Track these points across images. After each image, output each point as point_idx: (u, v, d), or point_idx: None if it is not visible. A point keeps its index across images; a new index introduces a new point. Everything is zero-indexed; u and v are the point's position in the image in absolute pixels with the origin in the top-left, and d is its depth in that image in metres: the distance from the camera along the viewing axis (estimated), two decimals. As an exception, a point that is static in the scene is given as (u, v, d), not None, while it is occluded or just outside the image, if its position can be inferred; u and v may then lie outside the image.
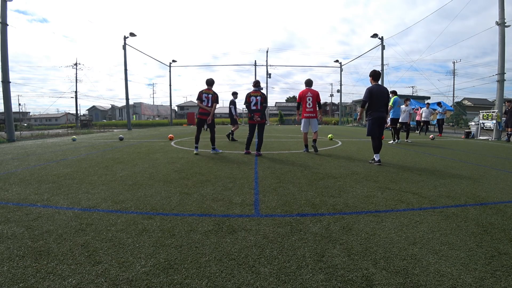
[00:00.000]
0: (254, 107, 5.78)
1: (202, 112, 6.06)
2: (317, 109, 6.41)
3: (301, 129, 6.63)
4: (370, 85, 5.17)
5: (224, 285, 1.43)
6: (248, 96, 5.77)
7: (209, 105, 6.01)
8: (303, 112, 6.46)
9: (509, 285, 1.42)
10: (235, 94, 9.85)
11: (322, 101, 6.71)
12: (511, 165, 5.09)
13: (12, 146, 8.82)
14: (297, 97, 6.77)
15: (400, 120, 9.51)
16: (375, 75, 5.17)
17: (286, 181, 3.69)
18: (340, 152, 6.67)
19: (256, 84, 6.03)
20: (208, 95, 6.01)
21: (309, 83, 6.54)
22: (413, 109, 13.36)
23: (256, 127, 6.00)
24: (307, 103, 6.38)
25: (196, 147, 6.37)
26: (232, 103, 9.78)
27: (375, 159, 5.05)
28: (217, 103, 6.12)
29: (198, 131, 6.30)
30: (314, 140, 6.50)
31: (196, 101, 6.22)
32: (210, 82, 6.15)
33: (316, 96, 6.39)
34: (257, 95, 5.80)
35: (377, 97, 5.00)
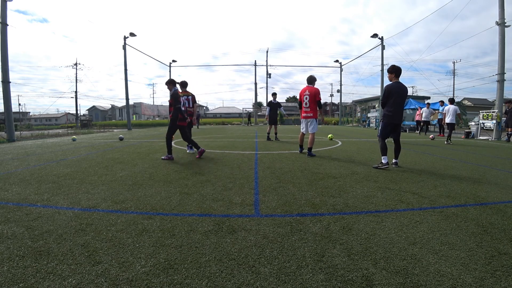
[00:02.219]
0: (183, 108, 5.71)
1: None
2: (317, 108, 5.90)
3: (302, 129, 6.25)
4: (389, 82, 4.68)
5: (224, 285, 1.43)
6: (179, 96, 5.48)
7: (191, 106, 6.32)
8: (301, 111, 6.09)
9: (509, 285, 1.42)
10: (275, 95, 10.03)
11: (322, 101, 6.12)
12: (511, 165, 5.09)
13: (12, 146, 8.82)
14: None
15: (447, 121, 9.57)
16: (397, 71, 4.63)
17: (286, 181, 3.69)
18: (340, 152, 6.67)
19: (185, 84, 6.00)
20: (188, 97, 6.32)
21: (308, 80, 6.11)
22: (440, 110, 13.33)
23: (180, 128, 5.62)
24: (304, 102, 5.97)
25: (191, 147, 6.56)
26: (279, 105, 9.91)
27: (383, 161, 4.55)
28: (196, 103, 6.47)
29: (189, 132, 6.61)
30: (309, 149, 5.96)
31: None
32: (185, 84, 6.36)
33: (313, 94, 5.86)
34: (188, 95, 5.80)
35: (396, 97, 4.57)
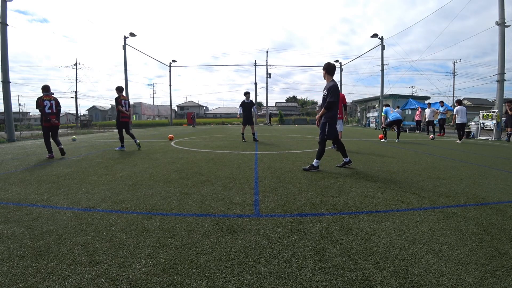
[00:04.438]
0: (49, 111, 5.99)
1: (124, 116, 7.44)
2: (343, 110, 6.98)
3: None
4: (330, 81, 4.42)
5: (224, 285, 1.43)
6: (42, 100, 5.92)
7: (127, 109, 7.49)
8: None
9: (509, 285, 1.42)
10: (248, 94, 9.81)
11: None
12: (511, 165, 5.09)
13: (12, 146, 8.82)
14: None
15: (459, 121, 10.05)
16: (332, 69, 4.45)
17: (286, 181, 3.69)
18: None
19: (46, 89, 6.26)
20: (126, 102, 7.48)
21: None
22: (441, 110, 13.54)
23: (54, 129, 6.18)
24: None
25: (123, 146, 7.48)
26: (252, 104, 9.73)
27: (315, 165, 4.39)
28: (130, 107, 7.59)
29: (122, 132, 7.52)
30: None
31: (118, 107, 7.37)
32: (122, 89, 7.44)
33: (342, 98, 6.95)
34: (50, 99, 6.07)
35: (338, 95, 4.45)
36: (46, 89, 6.16)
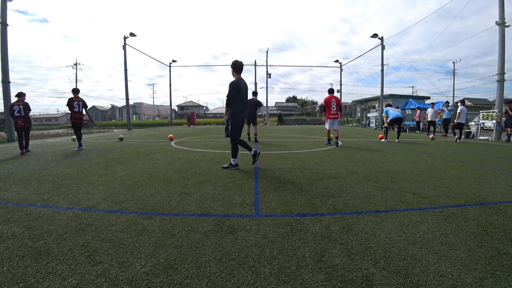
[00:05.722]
0: (18, 114, 6.90)
1: (76, 117, 7.53)
2: (339, 111, 8.18)
3: (327, 126, 8.33)
4: (234, 79, 4.50)
5: (224, 285, 1.43)
6: (12, 106, 6.89)
7: (80, 110, 7.50)
8: (328, 114, 8.16)
9: (509, 285, 1.42)
10: (255, 94, 9.53)
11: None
12: (511, 165, 5.09)
13: (12, 146, 8.81)
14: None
15: (458, 121, 10.53)
16: (238, 67, 4.50)
17: (286, 181, 3.69)
18: (340, 152, 6.67)
19: (18, 95, 7.08)
20: (79, 103, 7.47)
21: (331, 91, 8.41)
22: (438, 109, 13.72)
23: (23, 130, 7.01)
24: (331, 107, 8.11)
25: (80, 144, 7.65)
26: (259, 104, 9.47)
27: (233, 163, 4.56)
28: (87, 107, 7.78)
29: (79, 132, 7.75)
30: (336, 137, 8.14)
31: (67, 107, 7.50)
32: (77, 91, 7.60)
33: (338, 101, 8.21)
34: (19, 104, 6.93)
35: (243, 93, 4.49)
36: (18, 95, 6.97)
